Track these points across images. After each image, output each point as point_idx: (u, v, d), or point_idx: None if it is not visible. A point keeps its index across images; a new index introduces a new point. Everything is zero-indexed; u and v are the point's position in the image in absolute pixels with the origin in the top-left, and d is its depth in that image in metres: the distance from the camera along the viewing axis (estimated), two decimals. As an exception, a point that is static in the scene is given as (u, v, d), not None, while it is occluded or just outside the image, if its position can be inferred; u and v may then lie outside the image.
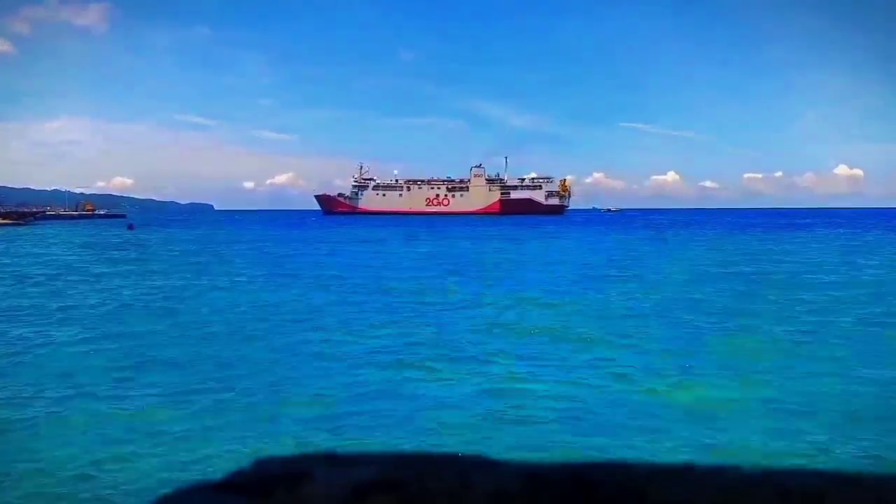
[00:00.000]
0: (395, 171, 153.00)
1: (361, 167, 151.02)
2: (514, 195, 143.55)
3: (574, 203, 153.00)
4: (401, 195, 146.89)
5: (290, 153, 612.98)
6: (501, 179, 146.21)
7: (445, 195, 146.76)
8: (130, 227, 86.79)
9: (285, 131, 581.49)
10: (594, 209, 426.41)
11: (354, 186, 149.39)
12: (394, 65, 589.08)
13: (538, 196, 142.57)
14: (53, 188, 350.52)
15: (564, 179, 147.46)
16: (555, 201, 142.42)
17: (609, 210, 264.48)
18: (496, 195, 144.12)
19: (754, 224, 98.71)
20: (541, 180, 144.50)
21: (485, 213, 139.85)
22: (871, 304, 18.39)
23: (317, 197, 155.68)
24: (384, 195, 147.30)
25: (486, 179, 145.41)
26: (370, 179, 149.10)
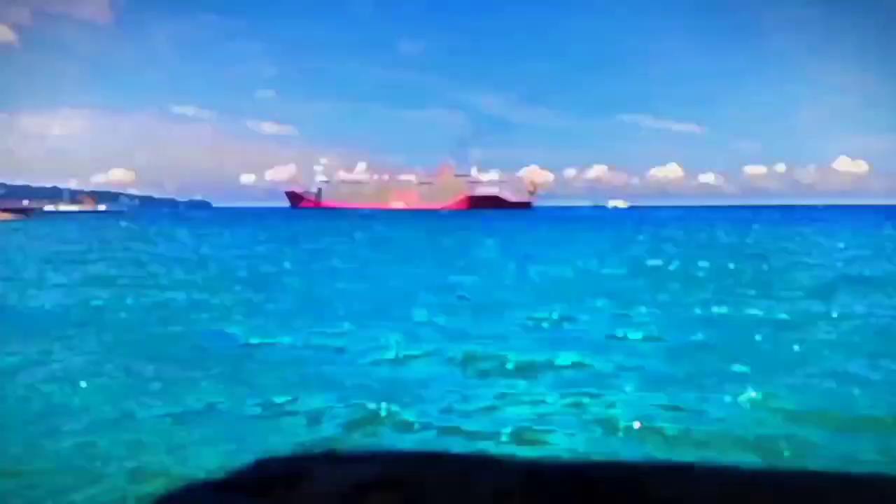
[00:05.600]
0: (364, 165, 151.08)
1: (324, 162, 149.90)
2: (482, 191, 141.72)
3: (576, 200, 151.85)
4: (367, 190, 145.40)
5: (290, 146, 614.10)
6: (470, 175, 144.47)
7: (413, 189, 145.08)
8: (125, 221, 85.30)
9: (286, 123, 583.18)
10: (597, 206, 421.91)
11: (321, 181, 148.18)
12: (395, 56, 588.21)
13: (506, 192, 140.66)
14: (52, 183, 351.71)
15: (532, 176, 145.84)
16: (523, 197, 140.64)
17: (616, 206, 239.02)
18: (464, 191, 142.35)
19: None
20: (507, 176, 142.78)
21: (452, 209, 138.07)
22: None
23: (286, 193, 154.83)
24: (349, 190, 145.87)
25: (455, 175, 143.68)
26: (336, 174, 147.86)
